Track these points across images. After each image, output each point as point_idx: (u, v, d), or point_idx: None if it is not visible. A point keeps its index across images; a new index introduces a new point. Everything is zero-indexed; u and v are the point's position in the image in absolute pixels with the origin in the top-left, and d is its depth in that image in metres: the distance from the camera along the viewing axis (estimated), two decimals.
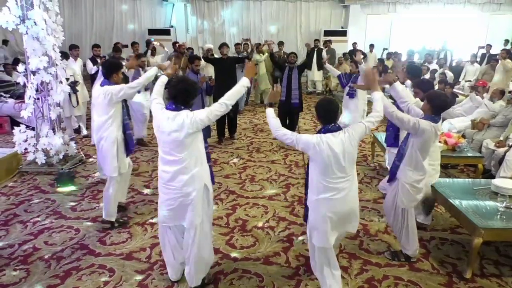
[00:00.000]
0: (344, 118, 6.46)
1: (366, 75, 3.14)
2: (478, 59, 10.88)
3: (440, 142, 4.99)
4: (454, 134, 5.24)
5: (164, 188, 2.85)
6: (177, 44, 9.47)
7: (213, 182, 3.08)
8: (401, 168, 3.23)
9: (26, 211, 4.38)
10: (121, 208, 4.30)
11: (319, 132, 2.71)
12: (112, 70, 3.78)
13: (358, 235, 3.90)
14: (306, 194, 2.90)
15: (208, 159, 2.99)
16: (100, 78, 4.29)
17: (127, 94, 3.72)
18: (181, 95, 2.74)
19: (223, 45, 7.03)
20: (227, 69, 6.65)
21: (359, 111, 6.58)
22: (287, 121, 6.94)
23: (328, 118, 2.71)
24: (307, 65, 7.20)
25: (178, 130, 2.67)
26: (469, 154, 4.99)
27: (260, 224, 4.12)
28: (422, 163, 3.16)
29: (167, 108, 2.78)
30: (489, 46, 11.63)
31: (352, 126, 2.77)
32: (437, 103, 3.14)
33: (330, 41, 12.39)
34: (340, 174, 2.66)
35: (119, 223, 4.06)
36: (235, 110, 7.02)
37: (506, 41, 12.74)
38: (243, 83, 2.92)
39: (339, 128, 2.69)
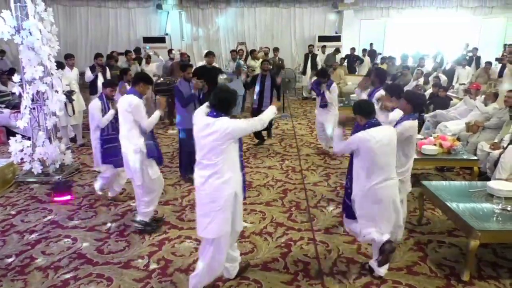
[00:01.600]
0: (328, 130, 6.44)
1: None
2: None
3: (435, 145, 5.05)
4: (449, 137, 5.28)
5: (197, 192, 2.93)
6: (174, 52, 9.47)
7: (244, 194, 3.06)
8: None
9: (23, 221, 4.36)
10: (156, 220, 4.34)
11: (363, 128, 3.05)
12: (140, 79, 3.90)
13: (356, 240, 3.90)
14: (349, 187, 3.22)
15: (242, 167, 3.00)
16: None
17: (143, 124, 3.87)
18: (222, 103, 2.81)
19: (209, 54, 7.01)
20: (213, 79, 6.45)
21: (331, 118, 6.35)
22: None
23: (367, 113, 3.08)
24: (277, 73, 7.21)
25: (216, 135, 2.72)
26: (464, 157, 5.03)
27: (258, 230, 4.12)
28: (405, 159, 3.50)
29: (208, 115, 2.83)
30: (475, 50, 11.76)
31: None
32: (417, 102, 3.49)
33: (325, 46, 12.48)
34: (387, 166, 3.04)
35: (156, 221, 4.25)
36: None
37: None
38: (273, 111, 3.15)
39: (378, 123, 3.08)
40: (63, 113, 6.33)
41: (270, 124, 7.22)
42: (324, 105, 6.44)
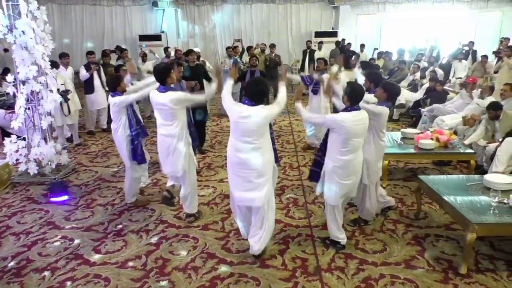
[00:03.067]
0: (308, 132, 6.64)
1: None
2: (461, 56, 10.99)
3: (432, 139, 5.04)
4: (446, 131, 5.28)
5: (238, 174, 3.31)
6: (169, 50, 9.41)
7: (277, 161, 3.68)
8: (366, 148, 3.66)
9: (19, 223, 4.33)
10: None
11: (345, 110, 3.38)
12: (164, 75, 3.85)
13: (354, 235, 3.91)
14: (319, 156, 3.60)
15: (273, 142, 3.54)
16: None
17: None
18: (259, 95, 3.22)
19: (191, 52, 6.90)
20: (195, 77, 6.35)
21: (321, 107, 6.50)
22: None
23: (355, 99, 3.36)
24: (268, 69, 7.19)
25: (258, 121, 3.16)
26: (461, 151, 5.02)
27: None
28: (380, 143, 3.80)
29: (243, 102, 3.26)
30: (471, 43, 11.75)
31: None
32: (393, 91, 3.82)
33: (322, 42, 12.42)
34: (357, 146, 3.40)
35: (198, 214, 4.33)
36: None
37: None
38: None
39: (359, 108, 3.39)
40: (58, 113, 6.34)
41: None
42: (316, 90, 6.48)
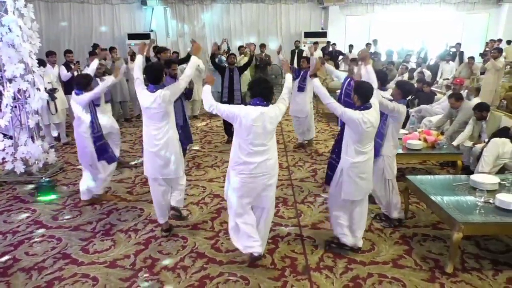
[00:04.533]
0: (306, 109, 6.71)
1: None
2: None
3: (419, 139, 5.11)
4: (433, 132, 5.34)
5: (249, 178, 3.14)
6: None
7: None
8: (385, 144, 3.85)
9: (6, 222, 4.28)
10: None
11: (358, 109, 3.28)
12: (157, 74, 3.70)
13: None
14: (334, 158, 3.58)
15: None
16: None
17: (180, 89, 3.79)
18: (270, 93, 3.17)
19: (164, 50, 6.94)
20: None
21: (306, 103, 6.63)
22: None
23: (366, 98, 3.30)
24: (247, 65, 7.27)
25: (272, 122, 3.10)
26: (448, 151, 5.09)
27: None
28: (396, 139, 3.95)
29: (254, 104, 3.10)
30: (458, 45, 11.92)
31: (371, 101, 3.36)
32: (407, 89, 3.90)
33: (317, 43, 12.43)
34: (370, 141, 3.38)
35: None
36: None
37: (508, 42, 12.87)
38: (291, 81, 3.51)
39: (371, 106, 3.30)
40: (45, 112, 6.27)
41: None
42: (302, 88, 6.58)
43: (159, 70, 3.76)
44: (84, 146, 4.39)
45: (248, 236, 3.28)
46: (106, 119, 5.40)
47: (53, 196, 4.85)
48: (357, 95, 3.34)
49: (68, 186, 5.26)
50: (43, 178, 5.15)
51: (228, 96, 6.78)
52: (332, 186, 3.60)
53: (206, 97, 3.29)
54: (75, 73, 7.09)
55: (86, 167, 4.51)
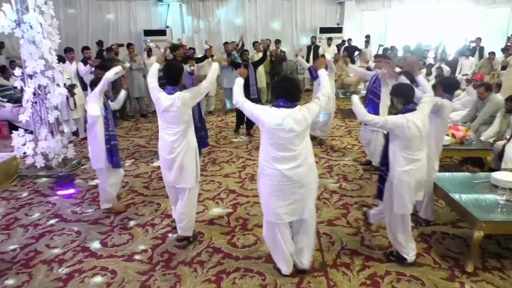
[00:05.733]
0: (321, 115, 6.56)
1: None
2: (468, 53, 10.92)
3: (448, 135, 4.96)
4: (461, 127, 5.21)
5: (279, 185, 2.91)
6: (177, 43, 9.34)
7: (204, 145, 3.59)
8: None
9: (27, 215, 4.37)
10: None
11: (400, 112, 3.11)
12: (176, 74, 3.49)
13: (359, 231, 3.91)
14: (383, 171, 3.28)
15: (199, 130, 3.40)
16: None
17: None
18: (295, 92, 2.90)
19: (178, 48, 7.00)
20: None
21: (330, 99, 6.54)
22: (245, 117, 7.05)
23: (407, 99, 3.15)
24: (262, 61, 7.33)
25: (300, 124, 2.81)
26: (477, 147, 5.01)
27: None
28: (440, 138, 3.76)
29: (277, 106, 2.85)
30: (479, 40, 11.65)
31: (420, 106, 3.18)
32: (449, 84, 3.80)
33: (331, 39, 12.33)
34: (421, 147, 3.12)
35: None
36: None
37: None
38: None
39: (414, 108, 3.12)
40: (64, 107, 6.37)
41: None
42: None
43: (178, 70, 3.53)
44: (97, 146, 4.17)
45: (276, 251, 3.18)
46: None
47: (72, 190, 4.93)
48: (397, 97, 3.20)
49: (87, 180, 5.34)
50: (63, 172, 5.24)
51: (244, 92, 6.79)
52: (384, 201, 3.34)
53: (237, 91, 3.14)
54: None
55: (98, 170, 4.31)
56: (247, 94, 6.72)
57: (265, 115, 2.86)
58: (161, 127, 3.51)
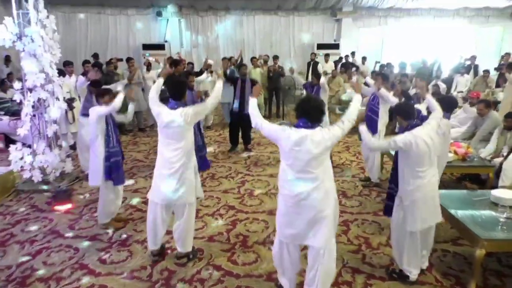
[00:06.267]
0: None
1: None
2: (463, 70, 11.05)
3: (450, 152, 4.97)
4: (463, 144, 5.24)
5: (293, 207, 2.81)
6: (177, 57, 9.38)
7: (204, 167, 3.55)
8: None
9: (23, 231, 4.31)
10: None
11: (406, 129, 3.15)
12: (180, 90, 3.52)
13: (360, 249, 3.89)
14: (392, 188, 3.35)
15: (201, 149, 3.29)
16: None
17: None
18: (317, 113, 2.80)
19: (178, 63, 7.01)
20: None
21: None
22: (240, 132, 7.24)
23: (410, 116, 3.24)
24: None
25: (319, 146, 2.71)
26: (480, 164, 5.03)
27: (261, 240, 4.09)
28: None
29: (297, 126, 2.79)
30: (473, 58, 11.83)
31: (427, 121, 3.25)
32: (448, 102, 3.84)
33: (328, 55, 12.47)
34: (430, 163, 3.13)
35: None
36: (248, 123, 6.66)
37: None
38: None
39: (420, 123, 3.18)
40: (63, 121, 6.35)
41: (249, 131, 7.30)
42: None
43: (183, 86, 3.57)
44: (95, 163, 4.08)
45: (281, 268, 3.08)
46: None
47: (69, 205, 4.88)
48: (400, 116, 3.30)
49: (84, 195, 5.29)
50: (60, 187, 5.20)
51: (239, 107, 6.87)
52: (394, 218, 3.35)
53: (253, 112, 3.04)
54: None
55: (93, 184, 4.25)
56: (243, 109, 6.79)
57: (283, 135, 2.78)
58: (161, 142, 3.47)
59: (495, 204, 3.62)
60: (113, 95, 4.22)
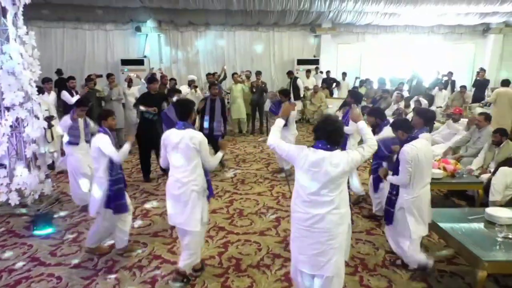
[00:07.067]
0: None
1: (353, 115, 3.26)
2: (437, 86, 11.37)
3: (439, 168, 5.03)
4: (451, 160, 5.28)
5: (305, 231, 2.73)
6: (157, 74, 9.26)
7: (211, 195, 3.61)
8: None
9: (0, 259, 4.03)
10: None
11: (406, 142, 3.51)
12: (188, 110, 3.55)
13: (357, 270, 3.81)
14: (393, 194, 3.66)
15: (206, 174, 3.36)
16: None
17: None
18: (336, 135, 2.75)
19: (153, 81, 6.54)
20: (155, 105, 6.18)
21: (291, 135, 6.42)
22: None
23: (407, 129, 3.60)
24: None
25: (336, 169, 2.65)
26: (469, 180, 5.06)
27: (255, 263, 3.96)
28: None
29: (316, 147, 2.73)
30: (450, 74, 12.18)
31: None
32: (428, 116, 4.01)
33: (309, 71, 12.57)
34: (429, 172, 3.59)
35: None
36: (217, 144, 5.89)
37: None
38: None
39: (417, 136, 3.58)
40: (41, 140, 6.06)
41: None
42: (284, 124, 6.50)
43: (186, 104, 3.65)
44: (98, 192, 3.87)
45: None
46: (80, 158, 5.15)
47: (50, 230, 4.62)
48: (400, 130, 3.61)
49: (65, 218, 5.03)
50: (40, 210, 4.93)
51: (208, 126, 6.79)
52: (397, 227, 3.67)
53: (274, 132, 3.01)
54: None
55: (93, 214, 4.05)
56: (211, 129, 6.67)
57: (300, 155, 2.73)
58: (171, 165, 3.49)
59: (490, 223, 3.62)
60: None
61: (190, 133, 3.38)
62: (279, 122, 3.09)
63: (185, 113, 3.52)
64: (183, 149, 3.36)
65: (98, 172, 3.88)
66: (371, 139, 2.94)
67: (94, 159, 3.91)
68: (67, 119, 5.02)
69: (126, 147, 3.99)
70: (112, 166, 3.86)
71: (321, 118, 2.96)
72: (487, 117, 5.81)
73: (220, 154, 3.76)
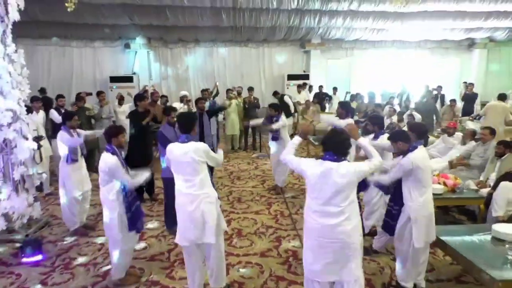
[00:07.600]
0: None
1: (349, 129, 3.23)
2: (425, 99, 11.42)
3: (439, 183, 4.98)
4: (450, 175, 5.22)
5: (318, 241, 2.79)
6: (149, 91, 9.11)
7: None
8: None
9: None
10: None
11: (408, 151, 3.50)
12: (191, 123, 3.62)
13: None
14: (392, 206, 3.70)
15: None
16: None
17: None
18: (343, 146, 2.85)
19: (143, 98, 6.40)
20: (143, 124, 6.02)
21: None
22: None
23: (406, 139, 3.57)
24: (221, 109, 7.38)
25: (344, 180, 2.74)
26: (470, 196, 5.00)
27: (258, 287, 3.79)
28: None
29: (324, 159, 2.83)
30: (439, 87, 12.32)
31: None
32: (421, 130, 3.86)
33: (301, 86, 12.53)
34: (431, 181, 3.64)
35: None
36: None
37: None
38: None
39: (416, 147, 3.52)
40: (29, 161, 5.84)
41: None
42: (275, 137, 6.47)
43: (189, 117, 3.74)
44: (111, 216, 3.65)
45: None
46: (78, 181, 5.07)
47: (39, 257, 4.38)
48: (400, 141, 3.58)
49: (56, 243, 4.80)
50: (28, 235, 4.69)
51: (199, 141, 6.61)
52: (401, 238, 3.60)
53: (289, 149, 3.16)
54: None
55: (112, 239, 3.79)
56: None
57: (309, 167, 2.86)
58: (177, 181, 3.44)
59: (497, 240, 3.54)
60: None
61: (194, 146, 3.42)
62: (296, 140, 3.23)
63: (188, 126, 3.55)
64: (189, 163, 3.35)
65: (108, 195, 3.65)
66: (376, 156, 2.99)
67: (103, 181, 3.67)
68: (64, 133, 4.93)
69: (143, 177, 3.85)
70: (125, 188, 3.67)
71: (328, 131, 3.16)
72: (492, 132, 5.78)
73: (220, 151, 3.80)
